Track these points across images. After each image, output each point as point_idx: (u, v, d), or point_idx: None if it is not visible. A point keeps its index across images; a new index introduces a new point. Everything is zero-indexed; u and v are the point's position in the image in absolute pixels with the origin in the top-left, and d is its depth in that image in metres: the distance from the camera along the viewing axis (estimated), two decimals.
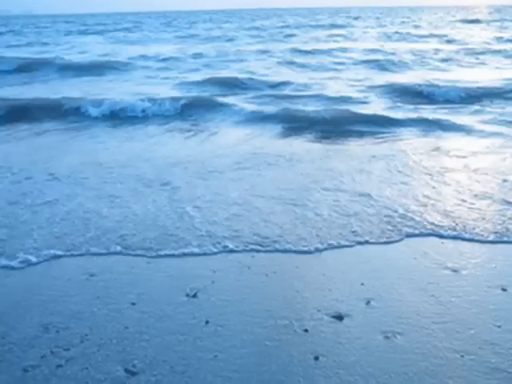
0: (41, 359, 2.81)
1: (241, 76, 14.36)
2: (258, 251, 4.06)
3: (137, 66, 17.94)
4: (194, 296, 3.43)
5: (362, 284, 3.55)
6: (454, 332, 3.00)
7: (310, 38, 30.63)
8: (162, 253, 4.04)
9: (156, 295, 3.45)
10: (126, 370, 2.72)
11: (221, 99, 10.94)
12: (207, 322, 3.12)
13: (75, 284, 3.61)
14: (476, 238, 4.22)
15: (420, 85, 12.12)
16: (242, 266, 3.84)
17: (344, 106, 9.99)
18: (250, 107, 10.22)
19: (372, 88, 12.51)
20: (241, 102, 10.90)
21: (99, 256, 4.02)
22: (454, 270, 3.71)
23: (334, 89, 12.44)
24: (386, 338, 2.96)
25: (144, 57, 20.66)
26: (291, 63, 17.99)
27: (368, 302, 3.32)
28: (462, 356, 2.79)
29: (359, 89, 12.50)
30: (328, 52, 21.45)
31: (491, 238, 4.21)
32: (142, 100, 10.28)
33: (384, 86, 12.68)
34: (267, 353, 2.85)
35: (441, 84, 12.16)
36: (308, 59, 19.11)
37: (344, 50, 22.25)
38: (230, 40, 30.86)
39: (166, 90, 12.47)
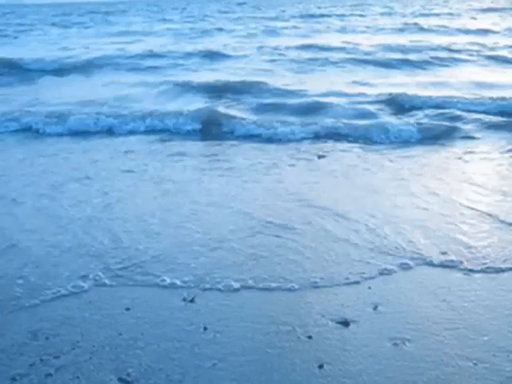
0: (29, 367, 2.81)
1: None
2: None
3: None
4: (192, 301, 3.42)
5: (369, 288, 3.55)
6: (466, 339, 2.99)
7: None
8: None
9: (151, 300, 3.45)
10: (120, 379, 2.72)
11: None
12: (205, 329, 3.12)
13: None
14: None
15: None
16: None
17: None
18: None
19: None
20: None
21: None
22: (466, 273, 3.70)
23: None
24: (395, 345, 2.96)
25: None
26: None
27: (375, 307, 3.32)
28: (476, 364, 2.79)
29: None
30: None
31: None
32: None
33: None
34: (269, 361, 2.85)
35: None
36: None
37: None
38: None
39: None
